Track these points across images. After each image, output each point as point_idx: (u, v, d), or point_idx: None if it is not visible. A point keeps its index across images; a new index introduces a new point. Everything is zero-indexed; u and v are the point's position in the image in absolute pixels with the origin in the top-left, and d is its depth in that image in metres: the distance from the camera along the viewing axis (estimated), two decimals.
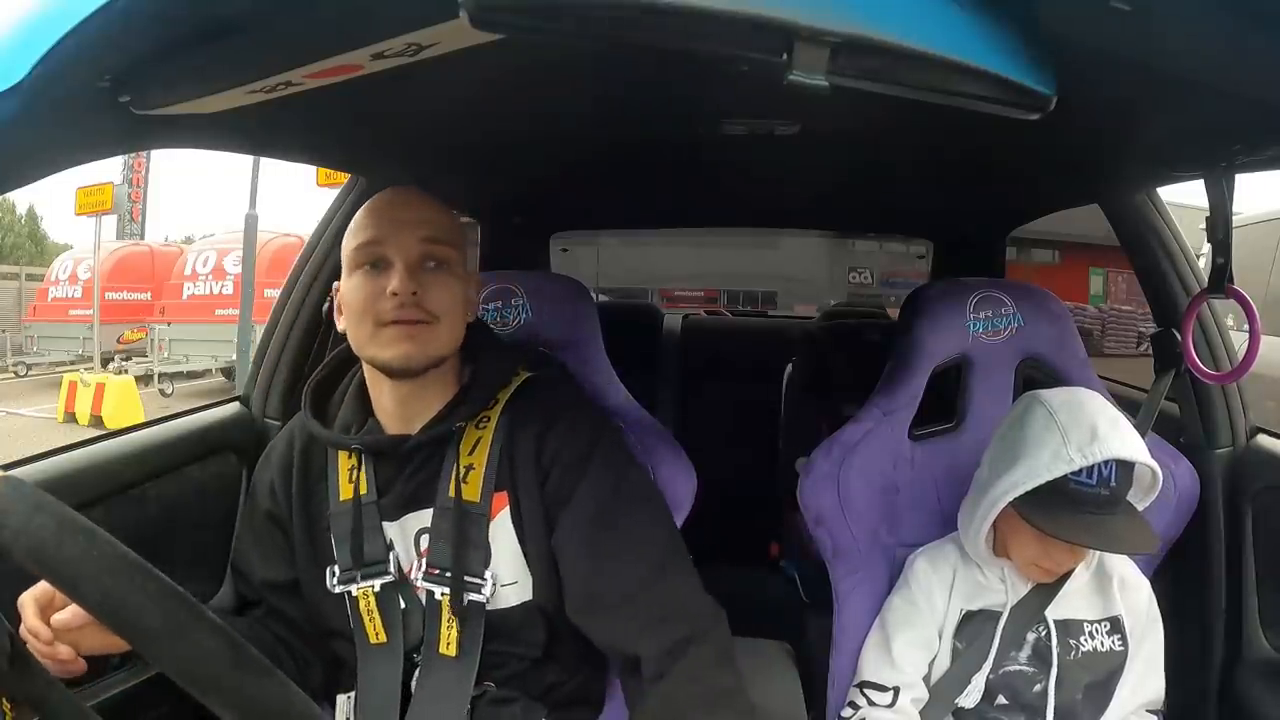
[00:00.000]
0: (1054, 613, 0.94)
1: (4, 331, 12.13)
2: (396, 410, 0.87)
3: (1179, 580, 1.09)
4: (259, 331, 1.41)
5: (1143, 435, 0.95)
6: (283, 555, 0.93)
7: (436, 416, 0.86)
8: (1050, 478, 0.84)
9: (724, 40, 0.45)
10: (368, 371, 0.89)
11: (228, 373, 9.24)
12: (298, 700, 0.48)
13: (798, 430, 1.97)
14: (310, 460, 0.93)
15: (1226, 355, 1.14)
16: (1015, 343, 1.09)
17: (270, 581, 0.93)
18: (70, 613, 0.69)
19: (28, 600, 0.70)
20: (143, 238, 15.38)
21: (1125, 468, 0.85)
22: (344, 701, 0.90)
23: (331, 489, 0.90)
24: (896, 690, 0.96)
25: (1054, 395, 0.91)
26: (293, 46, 0.58)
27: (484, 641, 0.86)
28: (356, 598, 0.88)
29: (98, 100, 0.59)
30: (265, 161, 4.98)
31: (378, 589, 0.88)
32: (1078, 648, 0.94)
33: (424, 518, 0.87)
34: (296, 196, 8.79)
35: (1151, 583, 0.99)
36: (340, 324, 0.88)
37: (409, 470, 0.88)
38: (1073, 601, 0.95)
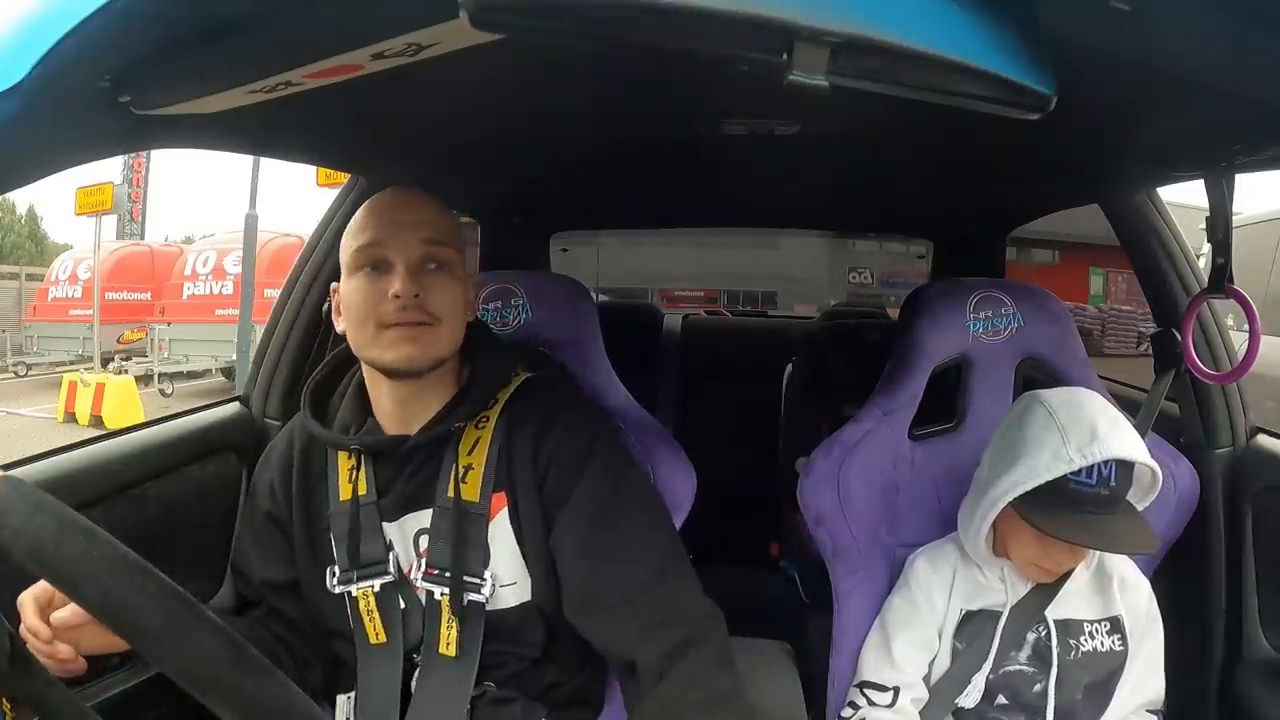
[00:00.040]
0: (1054, 613, 0.94)
1: (4, 331, 12.13)
2: (396, 411, 0.87)
3: (1179, 580, 1.09)
4: (259, 331, 1.41)
5: (1143, 435, 0.95)
6: (282, 555, 0.93)
7: (436, 417, 0.86)
8: (1050, 477, 0.84)
9: (724, 40, 0.45)
10: (367, 372, 0.89)
11: (228, 373, 9.24)
12: (298, 700, 0.48)
13: (798, 430, 1.97)
14: (310, 460, 0.93)
15: (1226, 355, 1.14)
16: (1015, 343, 1.09)
17: (270, 581, 0.93)
18: (70, 611, 0.69)
19: (27, 599, 0.70)
20: (143, 238, 15.38)
21: (1125, 468, 0.85)
22: (344, 702, 0.90)
23: (331, 489, 0.90)
24: (896, 690, 0.96)
25: (1054, 395, 0.91)
26: (293, 46, 0.58)
27: (483, 641, 0.86)
28: (356, 598, 0.88)
29: (98, 100, 0.59)
30: (265, 161, 4.98)
31: (377, 589, 0.88)
32: (1078, 648, 0.94)
33: (423, 518, 0.87)
34: (296, 196, 8.80)
35: (1151, 583, 0.99)
36: (339, 325, 0.88)
37: (408, 471, 0.88)
38: (1073, 601, 0.95)
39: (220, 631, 0.46)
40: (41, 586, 0.71)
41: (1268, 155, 0.80)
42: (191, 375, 9.81)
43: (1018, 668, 0.94)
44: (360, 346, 0.85)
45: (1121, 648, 0.95)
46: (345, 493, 0.89)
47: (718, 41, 0.45)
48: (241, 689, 0.46)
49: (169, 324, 9.66)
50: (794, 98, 0.46)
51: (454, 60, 0.58)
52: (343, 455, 0.90)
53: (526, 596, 0.86)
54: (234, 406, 1.25)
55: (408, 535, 0.88)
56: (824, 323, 2.41)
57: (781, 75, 0.45)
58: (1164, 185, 1.15)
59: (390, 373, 0.84)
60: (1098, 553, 0.95)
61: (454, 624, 0.85)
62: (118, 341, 10.56)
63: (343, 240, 0.86)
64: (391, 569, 0.88)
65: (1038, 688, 0.93)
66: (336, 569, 0.88)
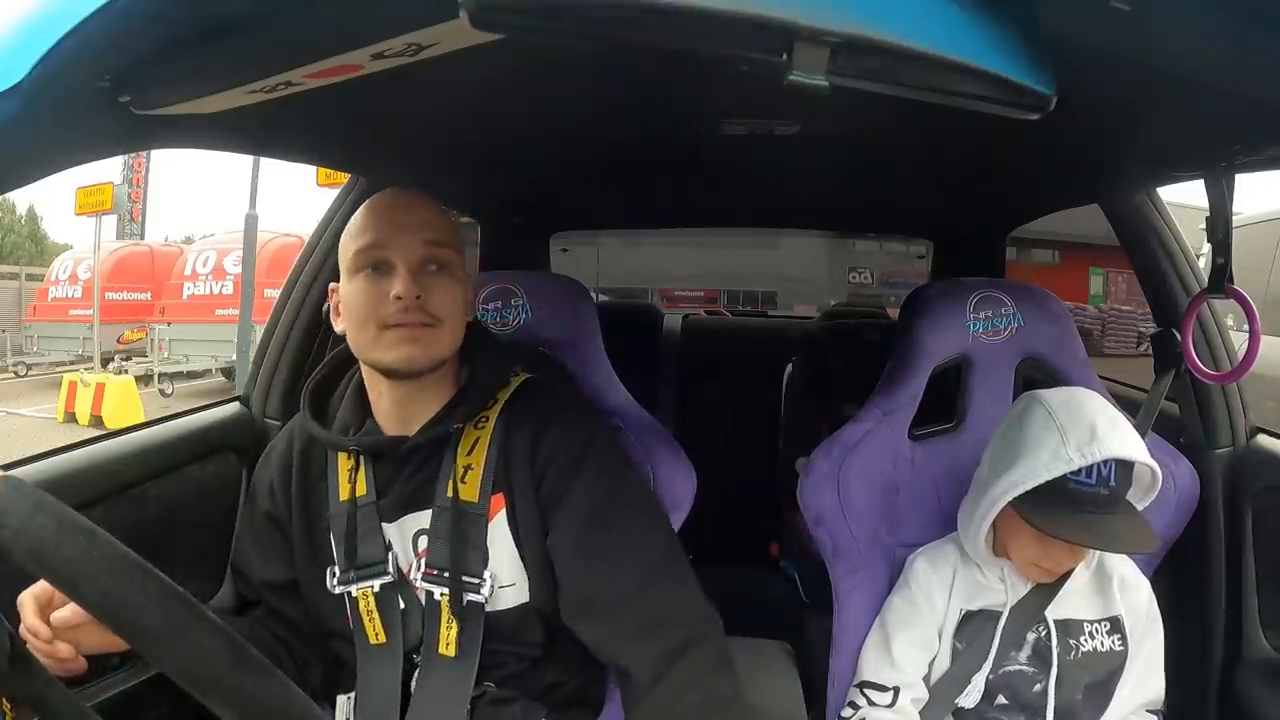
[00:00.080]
0: (1054, 613, 0.94)
1: (4, 331, 12.13)
2: (395, 411, 0.87)
3: (1179, 580, 1.09)
4: (259, 331, 1.41)
5: (1143, 435, 0.95)
6: (282, 555, 0.93)
7: (435, 418, 0.86)
8: (1049, 477, 0.84)
9: (724, 40, 0.45)
10: (366, 373, 0.89)
11: (228, 373, 9.24)
12: (298, 700, 0.48)
13: (798, 430, 1.97)
14: (310, 461, 0.93)
15: (1226, 355, 1.14)
16: (1015, 343, 1.09)
17: (270, 582, 0.93)
18: (70, 611, 0.69)
19: (27, 599, 0.70)
20: (143, 238, 15.37)
21: (1124, 467, 0.85)
22: (344, 702, 0.90)
23: (331, 489, 0.90)
24: (896, 690, 0.96)
25: (1053, 395, 0.91)
26: (293, 46, 0.58)
27: (483, 642, 0.86)
28: (356, 598, 0.88)
29: (98, 100, 0.59)
30: (265, 161, 4.98)
31: (377, 589, 0.88)
32: (1078, 648, 0.94)
33: (422, 519, 0.87)
34: (296, 196, 8.80)
35: (1151, 583, 0.99)
36: (338, 326, 0.88)
37: (407, 471, 0.88)
38: (1073, 601, 0.95)
39: (220, 631, 0.46)
40: (41, 586, 0.71)
41: (1268, 155, 0.80)
42: (191, 375, 9.81)
43: (1018, 668, 0.94)
44: (361, 348, 0.85)
45: (1121, 648, 0.95)
46: (345, 493, 0.89)
47: (718, 41, 0.45)
48: (241, 689, 0.46)
49: (169, 324, 9.66)
50: (794, 98, 0.46)
51: (454, 60, 0.58)
52: (342, 456, 0.90)
53: (525, 598, 0.86)
54: (234, 406, 1.25)
55: (407, 536, 0.88)
56: (824, 323, 2.41)
57: (781, 75, 0.45)
58: (1164, 185, 1.15)
59: (391, 374, 0.84)
60: (1097, 553, 0.95)
61: (453, 624, 0.85)
62: (118, 341, 10.56)
63: (342, 241, 0.86)
64: (391, 569, 0.87)
65: (1038, 688, 0.93)
66: (336, 569, 0.88)
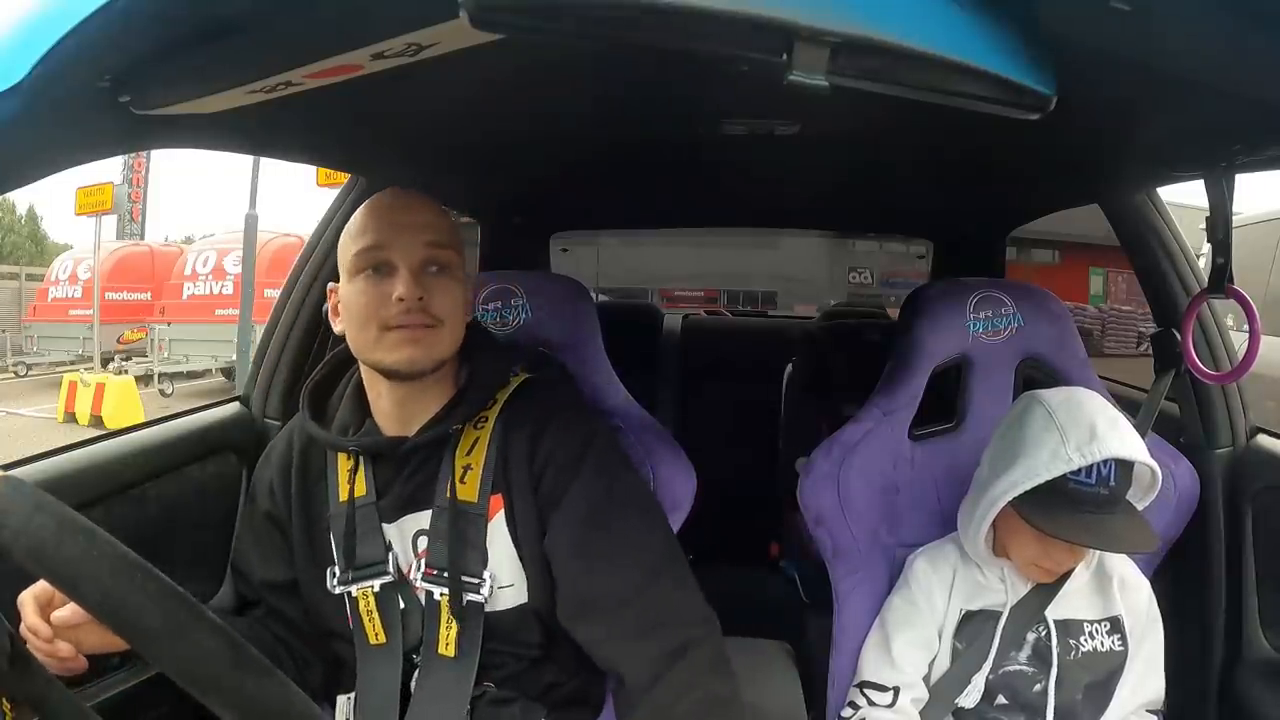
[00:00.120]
0: (1054, 613, 0.94)
1: (4, 331, 12.13)
2: (394, 412, 0.87)
3: (1179, 580, 1.09)
4: (259, 331, 1.41)
5: (1143, 435, 0.95)
6: (282, 556, 0.93)
7: (434, 418, 0.86)
8: (1049, 477, 0.84)
9: (724, 40, 0.45)
10: (365, 373, 0.89)
11: (228, 373, 9.24)
12: (298, 700, 0.48)
13: (798, 430, 1.97)
14: (309, 461, 0.93)
15: (1226, 355, 1.14)
16: (1015, 343, 1.09)
17: (269, 582, 0.93)
18: (70, 610, 0.69)
19: (27, 598, 0.70)
20: (143, 238, 15.37)
21: (1124, 467, 0.85)
22: (344, 702, 0.90)
23: (331, 490, 0.90)
24: (896, 690, 0.96)
25: (1053, 395, 0.91)
26: (293, 46, 0.58)
27: (482, 642, 0.86)
28: (356, 598, 0.88)
29: (98, 100, 0.59)
30: (265, 161, 4.98)
31: (377, 589, 0.88)
32: (1078, 648, 0.94)
33: (422, 519, 0.87)
34: (296, 196, 8.80)
35: (1151, 583, 0.99)
36: (337, 326, 0.88)
37: (407, 472, 0.88)
38: (1073, 601, 0.95)
39: (220, 631, 0.46)
40: (42, 585, 0.71)
41: (1268, 155, 0.80)
42: (191, 375, 9.81)
43: (1018, 668, 0.94)
44: (362, 348, 0.85)
45: (1121, 648, 0.95)
46: (344, 493, 0.89)
47: (718, 41, 0.45)
48: (241, 689, 0.46)
49: (169, 324, 9.66)
50: (794, 98, 0.46)
51: (454, 60, 0.58)
52: (342, 456, 0.90)
53: (523, 599, 0.86)
54: (234, 406, 1.25)
55: (406, 536, 0.88)
56: (824, 323, 2.41)
57: (781, 75, 0.45)
58: (1164, 185, 1.15)
59: (392, 375, 0.84)
60: (1097, 553, 0.95)
61: (453, 624, 0.85)
62: (118, 341, 10.56)
63: (341, 242, 0.86)
64: (391, 569, 0.87)
65: (1038, 688, 0.93)
66: (336, 569, 0.88)
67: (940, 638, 0.97)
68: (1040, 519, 0.85)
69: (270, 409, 1.25)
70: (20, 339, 11.77)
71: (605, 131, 1.13)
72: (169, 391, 9.23)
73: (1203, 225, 0.95)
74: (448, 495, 0.85)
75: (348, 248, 0.84)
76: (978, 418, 1.09)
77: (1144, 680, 0.96)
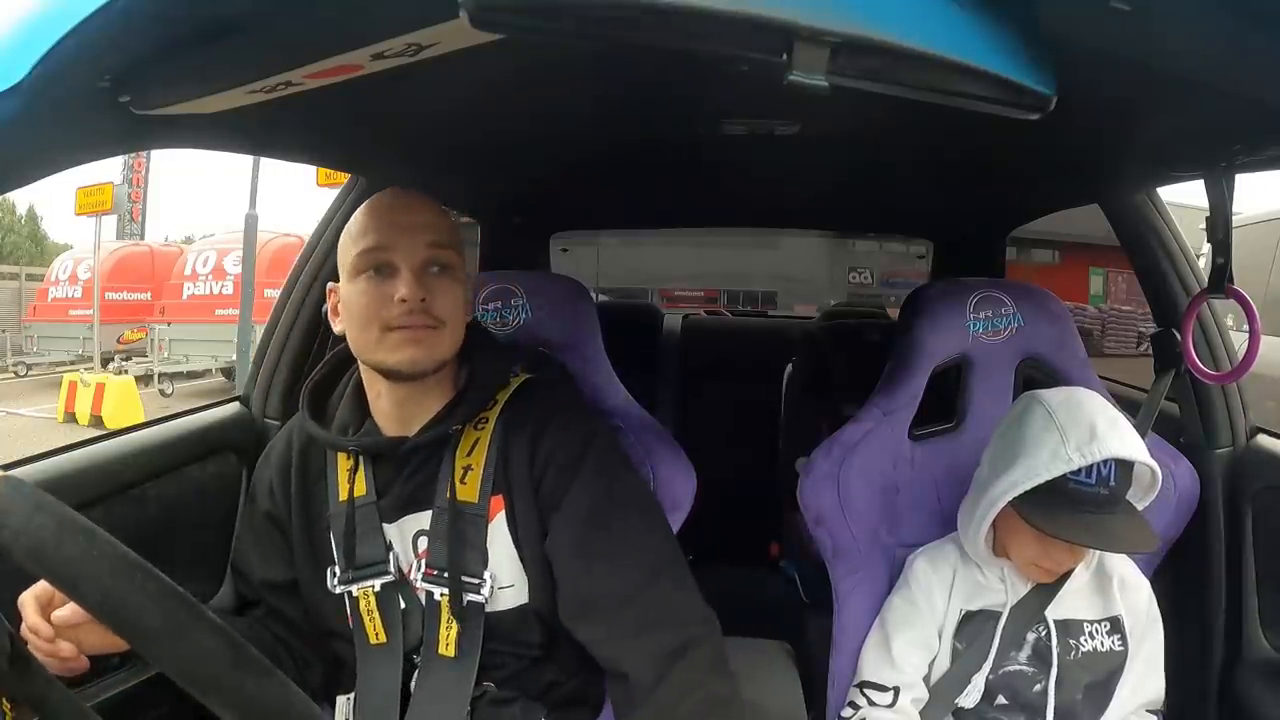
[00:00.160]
0: (1054, 613, 0.94)
1: (4, 331, 12.13)
2: (394, 412, 0.87)
3: (1179, 580, 1.09)
4: (259, 331, 1.41)
5: (1143, 435, 0.95)
6: (282, 555, 0.93)
7: (434, 419, 0.86)
8: (1049, 477, 0.84)
9: (724, 40, 0.45)
10: (365, 373, 0.89)
11: (228, 373, 9.25)
12: (298, 700, 0.48)
13: (798, 430, 1.97)
14: (309, 460, 0.93)
15: (1226, 355, 1.14)
16: (1015, 343, 1.09)
17: (269, 581, 0.93)
18: (70, 610, 0.69)
19: (28, 599, 0.70)
20: (143, 238, 15.37)
21: (1124, 467, 0.85)
22: (343, 703, 0.90)
23: (331, 489, 0.90)
24: (896, 690, 0.96)
25: (1053, 395, 0.91)
26: (293, 46, 0.58)
27: (483, 642, 0.86)
28: (357, 598, 0.88)
29: (98, 100, 0.59)
30: (265, 161, 4.98)
31: (378, 589, 0.88)
32: (1078, 648, 0.94)
33: (422, 519, 0.87)
34: (296, 196, 8.80)
35: (1151, 583, 0.99)
36: (337, 327, 0.88)
37: (407, 472, 0.88)
38: (1073, 601, 0.95)
39: (220, 631, 0.46)
40: (42, 586, 0.71)
41: (1268, 155, 0.80)
42: (191, 375, 9.81)
43: (1018, 668, 0.94)
44: (363, 349, 0.85)
45: (1121, 648, 0.95)
46: (344, 493, 0.89)
47: (718, 41, 0.45)
48: (241, 689, 0.46)
49: (169, 324, 9.66)
50: (794, 98, 0.46)
51: (454, 60, 0.58)
52: (341, 456, 0.90)
53: (524, 599, 0.86)
54: (234, 406, 1.25)
55: (407, 536, 0.88)
56: (824, 323, 2.41)
57: (781, 75, 0.45)
58: (1164, 185, 1.15)
59: (394, 375, 0.84)
60: (1098, 553, 0.95)
61: (453, 625, 0.85)
62: (118, 341, 10.57)
63: (342, 242, 0.86)
64: (392, 569, 0.87)
65: (1038, 688, 0.93)
66: (336, 569, 0.88)
67: (940, 638, 0.97)
68: (1040, 519, 0.85)
69: (270, 409, 1.25)
70: (20, 339, 11.77)
71: (605, 131, 1.13)
72: (169, 391, 9.23)
73: (1203, 225, 0.95)
74: (448, 496, 0.85)
75: (349, 248, 0.84)
76: (978, 418, 1.09)
77: (1144, 680, 0.96)
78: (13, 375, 11.08)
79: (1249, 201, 4.05)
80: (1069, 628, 0.94)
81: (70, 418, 7.65)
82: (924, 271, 2.60)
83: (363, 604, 0.88)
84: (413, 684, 0.87)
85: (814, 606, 1.24)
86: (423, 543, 0.87)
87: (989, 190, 1.53)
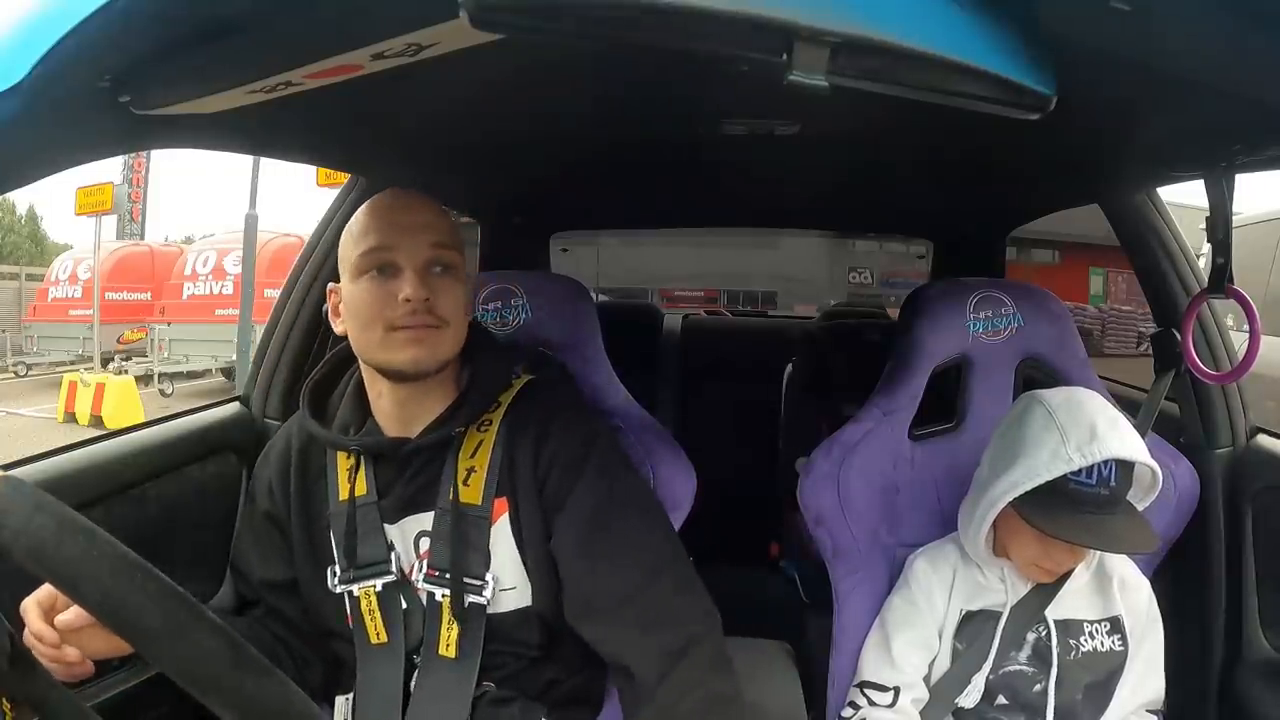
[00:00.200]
0: (1054, 613, 0.94)
1: (4, 331, 12.13)
2: (396, 412, 0.87)
3: (1179, 580, 1.09)
4: (259, 331, 1.41)
5: (1143, 435, 0.95)
6: (281, 555, 0.93)
7: (437, 420, 0.86)
8: (1049, 477, 0.84)
9: (724, 40, 0.45)
10: (366, 373, 0.89)
11: (228, 373, 9.25)
12: (297, 700, 0.48)
13: (798, 430, 1.97)
14: (309, 460, 0.93)
15: (1226, 355, 1.14)
16: (1015, 343, 1.09)
17: (269, 581, 0.93)
18: (73, 613, 0.69)
19: (30, 605, 0.70)
20: (143, 238, 15.36)
21: (1125, 467, 0.85)
22: (342, 703, 0.90)
23: (331, 488, 0.90)
24: (897, 690, 0.96)
25: (1053, 395, 0.91)
26: (293, 46, 0.58)
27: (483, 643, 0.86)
28: (358, 597, 0.88)
29: (98, 100, 0.59)
30: (265, 161, 4.98)
31: (379, 589, 0.88)
32: (1078, 648, 0.94)
33: (423, 520, 0.87)
34: (296, 196, 8.80)
35: (1151, 583, 0.99)
36: (338, 327, 0.88)
37: (409, 473, 0.88)
38: (1073, 601, 0.95)
39: (220, 631, 0.46)
40: (44, 592, 0.70)
41: (1268, 155, 0.80)
42: (191, 375, 9.81)
43: (1018, 668, 0.94)
44: (366, 349, 0.85)
45: (1121, 648, 0.95)
46: (344, 492, 0.89)
47: (718, 41, 0.45)
48: (241, 689, 0.46)
49: (169, 324, 9.66)
50: (794, 98, 0.46)
51: (454, 60, 0.58)
52: (342, 455, 0.90)
53: (527, 601, 0.86)
54: (234, 406, 1.25)
55: (408, 537, 0.88)
56: (824, 323, 2.41)
57: (781, 75, 0.45)
58: (1164, 185, 1.15)
59: (397, 375, 0.84)
60: (1098, 553, 0.95)
61: (454, 625, 0.85)
62: (118, 341, 10.57)
63: (343, 242, 0.86)
64: (393, 569, 0.87)
65: (1038, 688, 0.93)
66: (337, 569, 0.88)
67: (940, 638, 0.97)
68: (1041, 519, 0.85)
69: (270, 409, 1.25)
70: (20, 339, 11.77)
71: (605, 131, 1.13)
72: (169, 391, 9.23)
73: (1203, 225, 0.95)
74: (451, 497, 0.85)
75: (351, 249, 0.84)
76: (978, 418, 1.09)
77: (1144, 680, 0.96)
78: (13, 375, 11.08)
79: (1249, 201, 4.06)
80: (1069, 628, 0.94)
81: (70, 418, 7.65)
82: (924, 271, 2.60)
83: (364, 604, 0.88)
84: (412, 684, 0.87)
85: (814, 606, 1.24)
86: (424, 543, 0.87)
87: (989, 190, 1.53)
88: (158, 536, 1.01)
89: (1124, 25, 0.48)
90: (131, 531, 0.79)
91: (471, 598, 0.85)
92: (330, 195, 1.32)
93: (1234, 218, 0.93)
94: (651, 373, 2.30)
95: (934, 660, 0.97)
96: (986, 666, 0.94)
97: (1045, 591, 0.94)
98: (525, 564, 0.86)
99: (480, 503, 0.85)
